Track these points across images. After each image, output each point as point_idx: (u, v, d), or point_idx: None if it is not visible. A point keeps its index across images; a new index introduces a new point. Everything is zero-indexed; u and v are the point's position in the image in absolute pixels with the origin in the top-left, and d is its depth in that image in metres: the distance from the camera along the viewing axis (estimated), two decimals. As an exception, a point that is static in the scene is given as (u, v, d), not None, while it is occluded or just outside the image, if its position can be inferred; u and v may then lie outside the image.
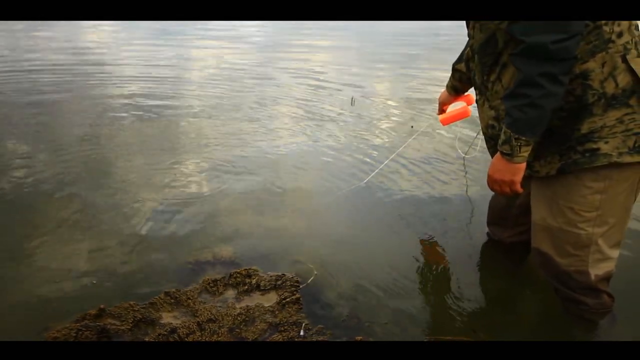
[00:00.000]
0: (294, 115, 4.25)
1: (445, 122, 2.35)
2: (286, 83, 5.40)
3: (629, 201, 1.53)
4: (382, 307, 1.86)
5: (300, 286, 1.95)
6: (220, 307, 1.83)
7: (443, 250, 2.27)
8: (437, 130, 3.69)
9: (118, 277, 2.01)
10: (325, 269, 2.08)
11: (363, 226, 2.46)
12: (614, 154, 1.41)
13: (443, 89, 2.18)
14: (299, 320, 1.76)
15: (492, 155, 1.60)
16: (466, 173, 3.05)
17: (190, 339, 1.67)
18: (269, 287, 1.94)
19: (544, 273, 1.72)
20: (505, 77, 1.45)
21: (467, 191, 2.82)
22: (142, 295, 1.89)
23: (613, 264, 1.62)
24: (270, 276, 2.00)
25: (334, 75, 5.81)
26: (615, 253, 1.61)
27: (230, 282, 1.98)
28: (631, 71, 1.36)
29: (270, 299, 1.89)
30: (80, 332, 1.65)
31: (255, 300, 1.89)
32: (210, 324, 1.74)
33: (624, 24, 1.36)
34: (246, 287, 1.95)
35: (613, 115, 1.39)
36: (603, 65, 1.36)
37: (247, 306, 1.83)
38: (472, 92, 1.86)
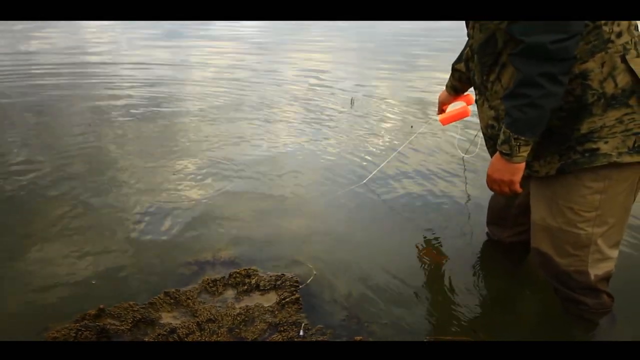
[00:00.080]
0: (294, 115, 4.25)
1: (444, 122, 2.36)
2: (286, 83, 5.40)
3: (629, 201, 1.53)
4: (381, 307, 1.86)
5: (300, 286, 1.95)
6: (219, 307, 1.83)
7: (442, 250, 2.27)
8: (437, 130, 3.69)
9: (117, 277, 2.02)
10: (324, 269, 2.08)
11: (363, 226, 2.46)
12: (613, 154, 1.41)
13: (443, 89, 2.18)
14: (299, 320, 1.76)
15: (492, 155, 1.60)
16: (465, 172, 3.05)
17: (189, 339, 1.67)
18: (268, 287, 1.94)
19: (544, 273, 1.72)
20: (505, 77, 1.45)
21: (466, 191, 2.82)
22: (142, 295, 1.89)
23: (612, 264, 1.62)
24: (270, 276, 2.00)
25: (334, 75, 5.80)
26: (614, 253, 1.61)
27: (229, 282, 1.98)
28: (630, 71, 1.36)
29: (269, 299, 1.89)
30: (80, 332, 1.65)
31: (254, 300, 1.89)
32: (209, 324, 1.74)
33: (624, 24, 1.36)
34: (246, 287, 1.95)
35: (612, 115, 1.39)
36: (602, 65, 1.36)
37: (247, 306, 1.83)
38: (471, 92, 1.86)
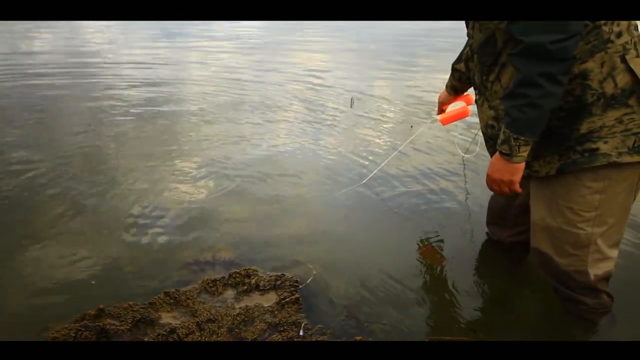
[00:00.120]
0: (294, 115, 4.25)
1: (444, 122, 2.36)
2: (286, 83, 5.40)
3: (628, 201, 1.53)
4: (381, 307, 1.86)
5: (300, 286, 1.95)
6: (219, 307, 1.83)
7: (442, 250, 2.28)
8: (437, 130, 3.69)
9: (117, 277, 2.01)
10: (324, 269, 2.08)
11: (363, 226, 2.46)
12: (613, 153, 1.41)
13: (442, 89, 2.18)
14: (298, 320, 1.76)
15: (492, 155, 1.60)
16: (466, 171, 3.05)
17: (189, 339, 1.67)
18: (268, 287, 1.94)
19: (544, 273, 1.72)
20: (505, 77, 1.45)
21: (466, 191, 2.82)
22: (142, 295, 1.89)
23: (612, 264, 1.62)
24: (270, 276, 2.00)
25: (334, 75, 5.81)
26: (614, 253, 1.61)
27: (229, 282, 1.98)
28: (630, 71, 1.36)
29: (269, 299, 1.89)
30: (80, 332, 1.65)
31: (254, 300, 1.89)
32: (209, 324, 1.74)
33: (623, 24, 1.36)
34: (245, 287, 1.95)
35: (612, 115, 1.39)
36: (602, 65, 1.36)
37: (247, 306, 1.83)
38: (471, 92, 1.86)
